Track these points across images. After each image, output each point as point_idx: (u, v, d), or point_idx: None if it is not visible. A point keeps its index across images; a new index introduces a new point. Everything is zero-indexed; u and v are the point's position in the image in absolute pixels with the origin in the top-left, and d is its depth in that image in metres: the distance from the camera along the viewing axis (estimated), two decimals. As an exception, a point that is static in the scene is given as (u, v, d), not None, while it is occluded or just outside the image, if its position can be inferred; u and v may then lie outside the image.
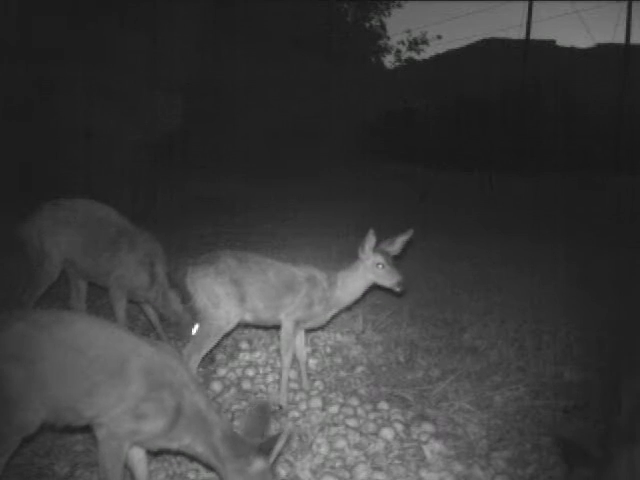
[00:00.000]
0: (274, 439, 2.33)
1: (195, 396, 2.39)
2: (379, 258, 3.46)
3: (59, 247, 4.01)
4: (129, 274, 4.05)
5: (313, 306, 3.50)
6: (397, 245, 3.56)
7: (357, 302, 3.82)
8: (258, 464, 2.32)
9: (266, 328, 4.09)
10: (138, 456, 2.55)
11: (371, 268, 3.49)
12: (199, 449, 2.39)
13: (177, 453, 2.62)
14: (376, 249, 3.47)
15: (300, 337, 3.68)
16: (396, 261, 3.58)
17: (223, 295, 3.31)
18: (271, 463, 2.35)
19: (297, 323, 3.53)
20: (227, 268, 3.36)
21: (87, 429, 2.47)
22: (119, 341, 2.37)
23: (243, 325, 3.67)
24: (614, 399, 2.49)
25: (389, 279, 3.48)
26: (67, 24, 10.30)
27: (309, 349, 4.16)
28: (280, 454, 2.49)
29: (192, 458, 2.62)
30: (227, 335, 4.22)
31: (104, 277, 4.09)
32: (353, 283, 3.56)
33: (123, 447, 2.35)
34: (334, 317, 3.80)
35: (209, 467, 2.53)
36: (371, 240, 3.45)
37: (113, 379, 2.29)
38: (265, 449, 2.32)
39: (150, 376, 2.32)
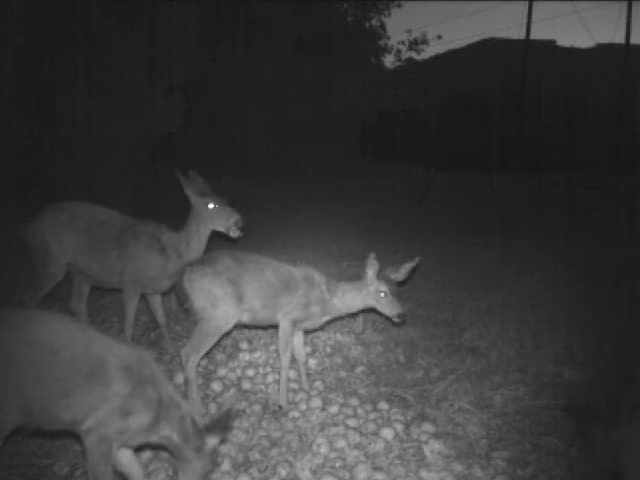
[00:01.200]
0: (223, 418, 2.51)
1: (169, 387, 2.49)
2: (383, 287, 3.43)
3: (64, 250, 3.97)
4: (141, 265, 3.98)
5: (310, 306, 3.49)
6: (402, 272, 3.54)
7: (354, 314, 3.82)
8: (212, 442, 2.50)
9: (264, 328, 4.09)
10: (126, 458, 2.57)
11: (373, 295, 3.47)
12: (175, 437, 2.48)
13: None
14: (380, 276, 3.44)
15: (298, 337, 3.68)
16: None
17: (221, 295, 3.30)
18: (219, 441, 2.54)
19: (294, 323, 3.53)
20: (225, 268, 3.35)
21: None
22: (93, 341, 2.36)
23: (242, 325, 3.67)
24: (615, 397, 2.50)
25: (389, 309, 3.46)
26: (67, 24, 10.29)
27: (309, 349, 4.16)
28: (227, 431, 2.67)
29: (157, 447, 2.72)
30: (226, 335, 4.23)
31: (117, 277, 4.03)
32: (352, 300, 3.55)
33: (112, 449, 2.36)
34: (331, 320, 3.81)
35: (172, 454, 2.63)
36: (374, 266, 3.41)
37: (91, 380, 2.28)
38: (213, 428, 2.49)
39: (130, 373, 2.35)
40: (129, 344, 2.55)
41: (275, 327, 3.62)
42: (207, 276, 3.31)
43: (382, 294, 3.44)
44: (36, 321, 2.31)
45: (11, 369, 2.20)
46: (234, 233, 4.03)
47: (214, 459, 2.57)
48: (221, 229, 4.03)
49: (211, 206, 3.97)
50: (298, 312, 3.49)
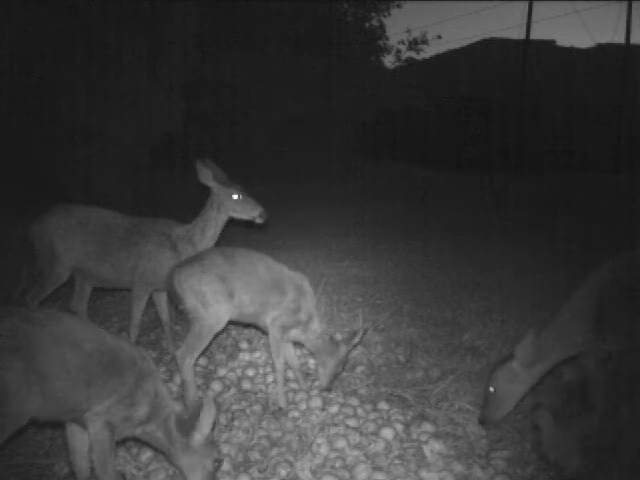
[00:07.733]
0: (195, 410, 2.62)
1: (160, 384, 2.63)
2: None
3: (71, 253, 3.96)
4: (152, 264, 3.95)
5: (299, 313, 3.52)
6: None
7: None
8: (197, 438, 2.58)
9: (256, 328, 4.09)
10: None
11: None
12: (159, 434, 2.60)
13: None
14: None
15: (288, 348, 3.71)
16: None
17: (211, 293, 3.28)
18: (207, 435, 2.59)
19: (284, 329, 3.53)
20: (213, 265, 3.32)
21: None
22: (103, 337, 2.53)
23: (241, 325, 3.67)
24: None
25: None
26: (67, 24, 10.29)
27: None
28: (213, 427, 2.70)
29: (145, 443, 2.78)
30: (226, 335, 4.22)
31: (128, 277, 4.02)
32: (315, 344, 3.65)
33: (114, 435, 2.51)
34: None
35: (159, 451, 2.72)
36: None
37: (108, 371, 2.44)
38: (192, 423, 2.61)
39: (134, 367, 2.53)
40: (127, 341, 2.71)
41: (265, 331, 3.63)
42: (196, 275, 3.28)
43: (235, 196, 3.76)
44: (55, 318, 2.44)
45: (40, 361, 2.27)
46: (259, 219, 4.09)
47: (210, 452, 2.60)
48: (245, 217, 4.09)
49: (235, 197, 4.01)
50: (287, 317, 3.49)
